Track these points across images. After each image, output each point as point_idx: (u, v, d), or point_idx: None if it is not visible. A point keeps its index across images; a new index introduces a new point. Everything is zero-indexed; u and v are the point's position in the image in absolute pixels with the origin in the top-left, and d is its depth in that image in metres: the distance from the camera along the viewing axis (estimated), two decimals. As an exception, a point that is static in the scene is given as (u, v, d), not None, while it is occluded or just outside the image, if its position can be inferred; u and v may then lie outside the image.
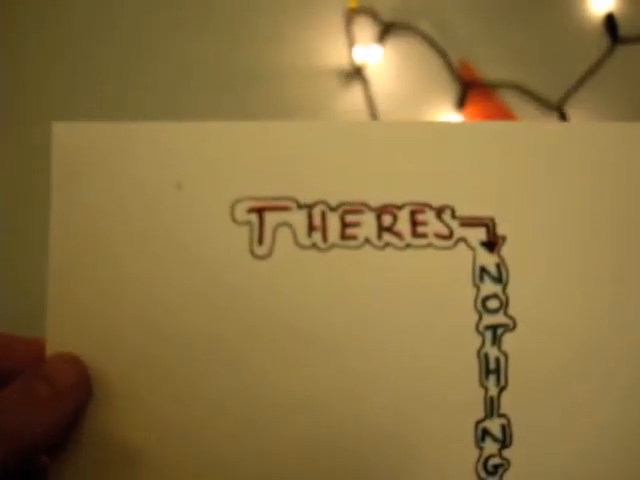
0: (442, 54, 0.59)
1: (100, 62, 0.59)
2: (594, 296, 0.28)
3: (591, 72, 0.58)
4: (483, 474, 0.27)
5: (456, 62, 0.60)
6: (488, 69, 0.61)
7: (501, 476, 0.27)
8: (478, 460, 0.27)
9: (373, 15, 0.60)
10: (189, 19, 0.60)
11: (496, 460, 0.27)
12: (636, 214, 0.28)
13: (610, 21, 0.58)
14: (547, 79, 0.59)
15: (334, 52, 0.60)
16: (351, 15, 0.60)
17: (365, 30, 0.60)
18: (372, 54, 0.59)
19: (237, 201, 0.27)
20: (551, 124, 0.30)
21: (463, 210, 0.27)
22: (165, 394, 0.26)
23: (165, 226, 0.27)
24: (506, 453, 0.27)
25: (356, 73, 0.59)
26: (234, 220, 0.27)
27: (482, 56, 0.61)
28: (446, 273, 0.27)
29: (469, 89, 0.58)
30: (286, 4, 0.61)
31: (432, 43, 0.59)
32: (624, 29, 0.58)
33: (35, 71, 0.59)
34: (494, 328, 0.27)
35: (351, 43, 0.60)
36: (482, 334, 0.27)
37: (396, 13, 0.60)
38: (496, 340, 0.27)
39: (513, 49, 0.61)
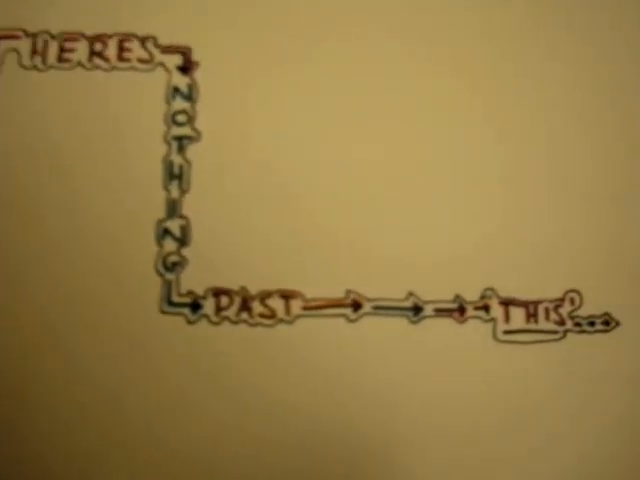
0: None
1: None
2: (279, 116, 0.30)
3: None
4: (162, 270, 0.29)
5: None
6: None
7: (178, 272, 0.29)
8: (158, 257, 0.30)
9: None
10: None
11: (174, 257, 0.30)
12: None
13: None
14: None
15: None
16: None
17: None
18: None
19: (-24, 31, 0.32)
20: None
21: (164, 39, 0.31)
22: None
23: None
24: (184, 251, 0.30)
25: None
26: (-27, 47, 0.32)
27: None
28: (144, 91, 0.31)
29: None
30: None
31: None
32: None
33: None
34: (180, 139, 0.30)
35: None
36: (169, 143, 0.30)
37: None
38: (181, 149, 0.30)
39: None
